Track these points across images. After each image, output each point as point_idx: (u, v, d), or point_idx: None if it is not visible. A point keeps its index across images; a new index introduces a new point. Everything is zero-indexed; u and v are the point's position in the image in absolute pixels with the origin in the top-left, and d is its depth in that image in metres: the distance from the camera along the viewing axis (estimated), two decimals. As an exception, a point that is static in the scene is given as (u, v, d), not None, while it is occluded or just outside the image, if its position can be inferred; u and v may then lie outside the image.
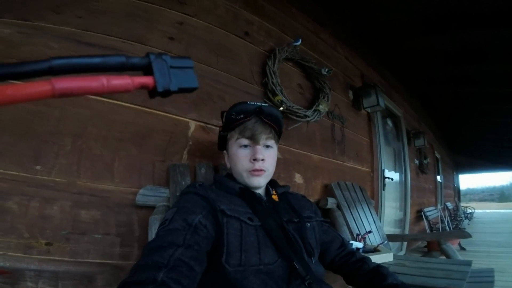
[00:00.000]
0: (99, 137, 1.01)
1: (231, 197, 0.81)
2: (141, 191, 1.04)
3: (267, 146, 0.87)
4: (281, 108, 1.50)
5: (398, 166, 3.64)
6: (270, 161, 0.87)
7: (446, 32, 2.56)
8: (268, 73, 1.56)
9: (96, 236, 0.97)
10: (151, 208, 1.06)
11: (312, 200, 1.82)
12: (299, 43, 1.79)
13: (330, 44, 2.36)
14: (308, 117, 1.68)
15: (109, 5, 1.13)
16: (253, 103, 0.86)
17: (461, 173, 14.28)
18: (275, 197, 0.90)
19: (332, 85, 2.00)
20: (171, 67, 0.31)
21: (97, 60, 0.27)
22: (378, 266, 0.88)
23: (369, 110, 2.53)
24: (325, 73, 1.90)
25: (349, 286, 1.01)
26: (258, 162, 0.83)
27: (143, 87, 0.29)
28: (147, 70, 0.30)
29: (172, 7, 1.29)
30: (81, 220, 0.96)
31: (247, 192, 0.84)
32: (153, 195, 1.06)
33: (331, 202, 1.84)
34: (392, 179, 3.06)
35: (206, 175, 1.18)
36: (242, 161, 0.85)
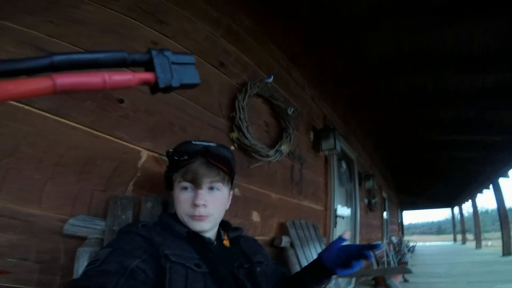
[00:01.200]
0: (32, 158, 0.83)
1: (178, 241, 0.69)
2: (71, 220, 0.86)
3: (212, 189, 0.76)
4: (232, 148, 1.39)
5: (349, 204, 3.66)
6: (214, 205, 0.75)
7: (401, 80, 2.66)
8: (237, 107, 1.45)
9: (10, 260, 0.77)
10: (82, 238, 0.87)
11: (267, 238, 1.71)
12: (271, 80, 1.72)
13: (299, 83, 2.33)
14: (270, 156, 1.59)
15: (86, 14, 0.98)
16: (198, 143, 0.75)
17: (405, 210, 14.91)
18: (226, 242, 0.79)
19: (296, 124, 1.95)
20: (173, 63, 0.29)
21: (98, 56, 0.25)
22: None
23: (326, 152, 2.51)
24: (290, 113, 1.85)
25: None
26: (199, 207, 0.72)
27: (144, 83, 0.27)
28: (148, 66, 0.28)
29: (150, 25, 1.17)
30: None
31: (195, 236, 0.72)
32: (84, 226, 0.87)
33: (285, 241, 1.73)
34: (343, 218, 3.02)
35: (152, 210, 1.01)
36: (183, 205, 0.74)
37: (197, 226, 0.73)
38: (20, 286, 0.78)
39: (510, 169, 4.96)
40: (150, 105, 1.11)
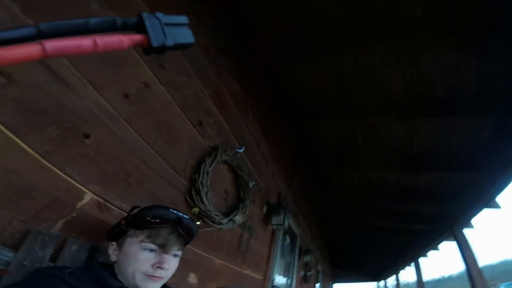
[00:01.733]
0: None
1: None
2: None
3: (174, 255, 0.75)
4: (198, 223, 1.27)
5: (287, 275, 3.44)
6: (172, 270, 0.74)
7: (348, 172, 2.84)
8: (202, 171, 1.33)
9: None
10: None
11: None
12: (242, 150, 1.66)
13: (265, 158, 2.27)
14: (223, 225, 1.48)
15: None
16: (175, 211, 0.74)
17: (336, 282, 14.74)
18: None
19: (253, 197, 1.84)
20: (165, 24, 0.27)
21: (88, 20, 0.23)
22: None
23: (275, 227, 2.41)
24: (251, 186, 1.77)
25: None
26: (162, 270, 0.69)
27: (137, 44, 0.25)
28: (140, 29, 0.26)
29: (149, 65, 1.08)
30: None
31: None
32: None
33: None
34: (279, 288, 2.88)
35: (76, 254, 0.80)
36: (141, 265, 0.68)
37: (150, 286, 0.68)
38: None
39: (428, 251, 5.51)
40: (115, 150, 0.95)
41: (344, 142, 2.42)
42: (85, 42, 0.22)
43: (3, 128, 0.71)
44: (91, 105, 0.88)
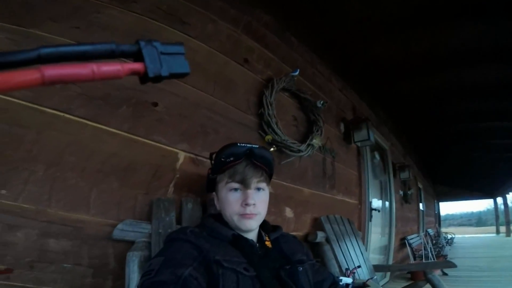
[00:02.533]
0: (76, 167, 0.86)
1: (225, 246, 0.71)
2: (120, 225, 0.89)
3: (258, 189, 0.79)
4: (272, 149, 1.37)
5: (384, 197, 3.51)
6: (262, 205, 0.79)
7: (435, 73, 2.50)
8: (265, 104, 1.43)
9: (65, 265, 0.82)
10: (129, 242, 0.90)
11: (301, 233, 1.68)
12: (297, 73, 1.68)
13: (326, 76, 2.26)
14: (302, 151, 1.54)
15: (110, 19, 1.00)
16: (243, 144, 0.78)
17: (441, 201, 14.04)
18: (268, 243, 0.80)
19: (325, 117, 1.89)
20: (162, 53, 0.29)
21: (86, 47, 0.25)
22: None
23: (359, 144, 2.40)
24: (320, 105, 1.79)
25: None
26: (249, 206, 0.75)
27: (133, 73, 0.27)
28: (137, 56, 0.28)
29: (173, 26, 1.17)
30: (49, 250, 0.80)
31: (240, 239, 0.74)
32: (132, 230, 0.90)
33: (320, 236, 1.68)
34: (378, 211, 2.89)
35: (192, 211, 1.02)
36: (232, 206, 0.76)
37: (247, 224, 0.75)
38: None
39: None
40: (183, 108, 1.12)
41: (420, 45, 2.13)
42: (83, 71, 0.24)
43: (87, 122, 0.90)
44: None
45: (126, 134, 0.96)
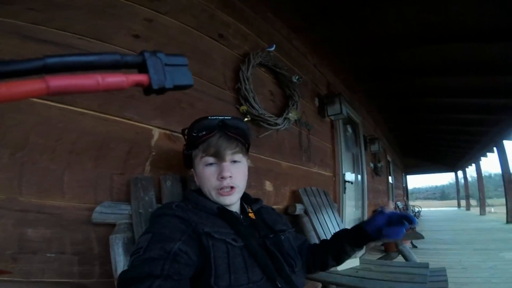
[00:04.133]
0: (45, 148, 0.85)
1: (212, 218, 0.75)
2: (98, 208, 0.90)
3: (234, 161, 0.82)
4: (246, 119, 1.44)
5: (356, 170, 3.80)
6: (239, 176, 0.82)
7: (408, 47, 2.70)
8: (242, 79, 1.49)
9: (49, 255, 0.84)
10: (111, 225, 0.93)
11: (281, 206, 1.81)
12: (273, 48, 1.75)
13: (301, 51, 2.36)
14: (279, 125, 1.64)
15: None
16: (215, 117, 0.80)
17: (409, 174, 15.45)
18: (251, 214, 0.85)
19: (300, 92, 1.99)
20: (166, 64, 0.31)
21: (91, 58, 0.26)
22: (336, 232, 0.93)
23: (332, 117, 2.58)
24: (295, 80, 1.89)
25: None
26: (226, 179, 0.78)
27: (138, 84, 0.29)
28: (141, 68, 0.30)
29: (142, 3, 1.15)
30: (29, 239, 0.81)
31: (225, 212, 0.78)
32: (112, 212, 0.92)
33: (299, 208, 1.83)
34: (352, 183, 3.17)
35: (173, 188, 1.06)
36: (209, 180, 0.79)
37: (226, 200, 0.79)
38: (65, 280, 0.85)
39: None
40: None
41: (396, 20, 2.26)
42: (88, 82, 0.25)
43: (51, 103, 0.89)
44: None
45: (96, 113, 0.96)
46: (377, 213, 0.82)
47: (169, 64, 0.31)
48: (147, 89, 0.30)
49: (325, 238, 1.85)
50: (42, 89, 0.23)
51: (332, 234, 0.95)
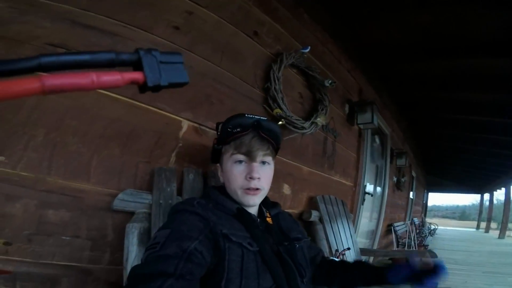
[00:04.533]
0: (78, 131, 0.88)
1: (230, 219, 0.75)
2: (120, 195, 0.92)
3: (263, 163, 0.81)
4: (280, 123, 1.42)
5: (378, 182, 3.69)
6: (266, 179, 0.82)
7: (445, 59, 2.57)
8: (272, 78, 1.46)
9: (64, 238, 0.86)
10: (129, 213, 0.94)
11: (296, 211, 1.79)
12: (307, 50, 1.71)
13: (335, 56, 2.31)
14: (305, 129, 1.60)
15: None
16: (251, 116, 0.80)
17: (430, 191, 14.90)
18: (269, 219, 0.85)
19: (331, 97, 1.94)
20: (161, 62, 0.31)
21: (86, 56, 0.26)
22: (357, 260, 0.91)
23: (362, 126, 2.50)
24: (328, 84, 1.84)
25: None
26: (254, 180, 0.77)
27: (133, 82, 0.29)
28: (137, 65, 0.30)
29: None
30: (48, 221, 0.84)
31: (244, 213, 0.78)
32: (133, 200, 0.94)
33: (314, 215, 1.80)
34: (372, 195, 3.08)
35: (194, 182, 1.07)
36: (237, 178, 0.79)
37: (250, 200, 0.79)
38: (73, 264, 0.87)
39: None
40: (189, 76, 1.13)
41: (433, 30, 2.17)
42: (83, 80, 0.25)
43: None
44: (149, 44, 1.04)
45: (129, 99, 0.97)
46: (403, 261, 0.80)
47: (164, 62, 0.31)
48: (142, 87, 0.30)
49: (336, 248, 1.82)
50: (37, 87, 0.23)
51: (349, 262, 0.93)
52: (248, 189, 0.78)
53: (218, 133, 0.87)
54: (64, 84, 0.24)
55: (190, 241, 0.61)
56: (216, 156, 0.89)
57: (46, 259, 0.84)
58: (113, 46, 0.95)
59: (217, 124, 0.89)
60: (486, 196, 15.47)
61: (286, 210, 1.03)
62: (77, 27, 0.89)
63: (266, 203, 0.91)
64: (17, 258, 0.80)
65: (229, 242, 0.68)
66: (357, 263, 0.91)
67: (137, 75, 0.29)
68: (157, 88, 0.30)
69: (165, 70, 0.31)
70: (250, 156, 0.78)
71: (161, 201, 0.97)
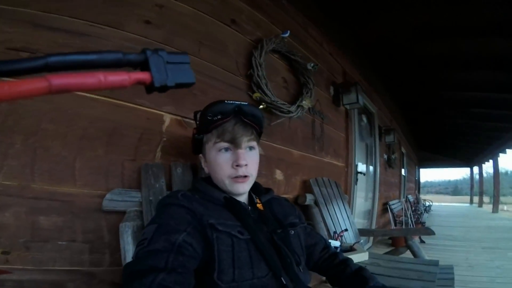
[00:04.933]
0: (57, 134, 0.86)
1: (218, 209, 0.74)
2: (108, 195, 0.91)
3: (250, 148, 0.80)
4: (261, 107, 1.42)
5: (369, 161, 3.75)
6: (253, 165, 0.80)
7: (433, 41, 2.62)
8: (254, 65, 1.46)
9: (60, 243, 0.86)
10: (121, 213, 0.94)
11: (291, 196, 1.81)
12: (287, 34, 1.71)
13: (317, 40, 2.32)
14: (292, 112, 1.61)
15: None
16: (231, 102, 0.76)
17: (422, 167, 15.19)
18: (259, 205, 0.83)
19: (315, 80, 1.94)
20: (168, 62, 0.31)
21: (93, 56, 0.27)
22: (360, 269, 0.85)
23: (348, 107, 2.53)
24: (310, 68, 1.85)
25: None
26: (242, 168, 0.75)
27: (139, 82, 0.29)
28: (143, 66, 0.30)
29: None
30: (41, 227, 0.84)
31: (233, 202, 0.76)
32: (122, 199, 0.94)
33: (309, 199, 1.83)
34: (364, 174, 3.13)
35: (183, 176, 1.07)
36: (223, 167, 0.77)
37: (240, 188, 0.77)
38: (76, 268, 0.87)
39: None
40: None
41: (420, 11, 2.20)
42: (90, 80, 0.25)
43: None
44: (122, 41, 1.03)
45: (108, 99, 0.96)
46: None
47: (171, 62, 0.31)
48: (149, 87, 0.30)
49: (334, 230, 1.85)
50: (44, 87, 0.23)
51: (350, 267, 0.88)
52: (237, 177, 0.76)
53: (197, 122, 0.84)
54: (71, 84, 0.24)
55: (178, 234, 0.61)
56: (197, 146, 0.86)
57: (47, 265, 0.84)
58: (84, 46, 0.93)
59: (195, 113, 0.87)
60: (476, 169, 15.80)
61: (283, 196, 1.03)
62: (40, 29, 0.87)
63: (258, 190, 0.89)
64: (19, 266, 0.80)
65: (216, 232, 0.67)
66: (357, 273, 0.85)
67: (144, 75, 0.29)
68: (164, 89, 0.30)
69: (171, 70, 0.31)
70: (234, 143, 0.76)
71: (151, 198, 0.96)
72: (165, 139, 1.09)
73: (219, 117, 0.75)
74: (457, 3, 2.08)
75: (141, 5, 1.10)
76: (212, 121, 0.76)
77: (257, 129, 0.82)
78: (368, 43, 2.84)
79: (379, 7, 2.21)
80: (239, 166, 0.75)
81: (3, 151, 0.79)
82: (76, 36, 0.92)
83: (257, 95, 1.44)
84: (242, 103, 0.77)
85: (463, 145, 9.14)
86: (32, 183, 0.82)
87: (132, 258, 0.60)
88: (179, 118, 1.15)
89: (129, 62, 0.29)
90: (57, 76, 0.24)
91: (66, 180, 0.87)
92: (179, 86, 0.31)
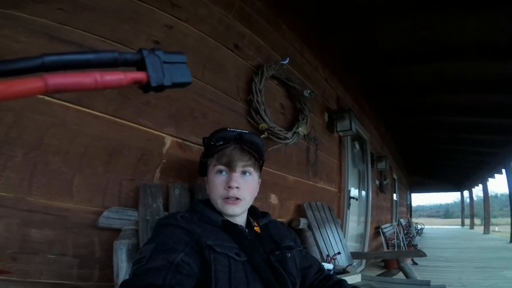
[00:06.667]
0: (59, 150, 0.85)
1: (216, 231, 0.74)
2: (105, 213, 0.89)
3: (244, 173, 0.82)
4: (263, 136, 1.43)
5: (361, 186, 3.73)
6: (246, 189, 0.81)
7: (421, 65, 2.68)
8: (254, 91, 1.48)
9: (50, 256, 0.82)
10: (115, 230, 0.91)
11: (285, 220, 1.77)
12: (287, 62, 1.75)
13: (313, 65, 2.36)
14: (288, 139, 1.62)
15: (97, 1, 0.97)
16: (233, 130, 0.82)
17: (413, 192, 15.14)
18: (257, 228, 0.84)
19: (310, 106, 1.97)
20: (164, 62, 0.30)
21: (89, 56, 0.26)
22: None
23: (341, 133, 2.55)
24: (307, 94, 1.88)
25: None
26: (233, 189, 0.77)
27: (136, 82, 0.28)
28: (140, 65, 0.29)
29: (163, 9, 1.16)
30: (31, 240, 0.80)
31: (230, 225, 0.77)
32: (118, 218, 0.91)
33: (303, 223, 1.80)
34: (356, 199, 3.10)
35: (180, 197, 1.05)
36: (217, 188, 0.80)
37: (229, 209, 0.78)
38: (63, 282, 0.83)
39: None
40: (171, 91, 1.11)
41: (407, 37, 2.29)
42: (86, 79, 0.24)
43: (69, 105, 0.89)
44: None
45: (111, 117, 0.95)
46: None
47: (167, 62, 0.30)
48: (146, 87, 0.29)
49: (327, 253, 1.80)
50: (40, 87, 0.22)
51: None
52: (227, 198, 0.78)
53: (204, 148, 0.88)
54: (67, 83, 0.24)
55: (176, 253, 0.60)
56: (203, 169, 0.90)
57: (33, 277, 0.80)
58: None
59: (203, 139, 0.91)
60: (466, 193, 15.81)
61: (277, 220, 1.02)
62: (55, 41, 0.87)
63: (256, 214, 0.90)
64: (2, 277, 0.75)
65: (214, 253, 0.67)
66: None
67: (140, 75, 0.28)
68: (160, 88, 0.30)
69: (168, 70, 0.30)
70: (230, 166, 0.79)
71: (147, 217, 0.94)
72: (164, 160, 1.08)
73: (221, 142, 0.80)
74: (441, 26, 2.15)
75: (153, 25, 1.12)
76: (214, 146, 0.81)
77: (256, 157, 0.84)
78: (360, 67, 2.89)
79: (372, 30, 2.28)
80: (230, 188, 0.77)
81: (3, 163, 0.77)
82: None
83: (263, 126, 1.45)
84: (243, 131, 0.82)
85: (453, 170, 9.19)
86: (28, 196, 0.80)
87: (129, 275, 0.59)
88: (179, 140, 1.15)
89: (125, 61, 0.28)
90: (54, 76, 0.23)
91: (63, 195, 0.85)
92: (175, 85, 0.31)
